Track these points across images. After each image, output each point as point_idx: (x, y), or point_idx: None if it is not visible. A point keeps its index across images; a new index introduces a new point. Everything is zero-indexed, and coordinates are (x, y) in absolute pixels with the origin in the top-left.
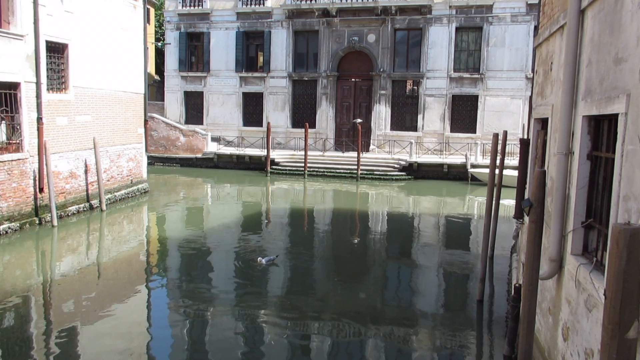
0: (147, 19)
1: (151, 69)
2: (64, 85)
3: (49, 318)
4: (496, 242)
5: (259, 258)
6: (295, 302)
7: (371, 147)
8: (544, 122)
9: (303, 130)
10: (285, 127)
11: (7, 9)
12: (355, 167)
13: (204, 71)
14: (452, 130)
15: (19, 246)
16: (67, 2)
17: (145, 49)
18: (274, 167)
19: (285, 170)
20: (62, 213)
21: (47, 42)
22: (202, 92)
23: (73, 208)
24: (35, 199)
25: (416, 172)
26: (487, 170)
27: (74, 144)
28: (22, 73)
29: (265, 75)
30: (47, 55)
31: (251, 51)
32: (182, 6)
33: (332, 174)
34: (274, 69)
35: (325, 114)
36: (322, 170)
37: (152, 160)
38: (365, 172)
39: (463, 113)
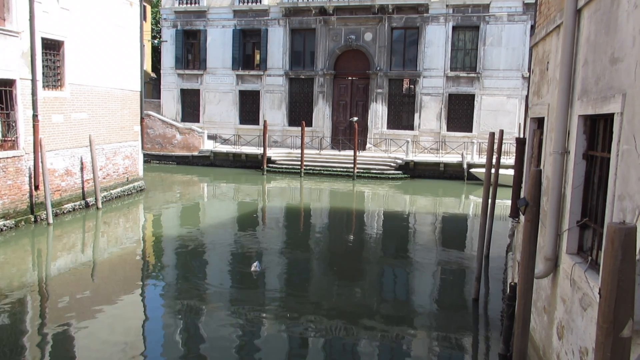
0: (143, 17)
1: (147, 66)
2: (60, 82)
3: (44, 316)
4: (492, 241)
5: (253, 264)
6: (291, 301)
7: (368, 145)
8: (540, 122)
9: (300, 128)
10: (282, 125)
11: (2, 5)
12: (352, 165)
13: (200, 69)
14: (448, 129)
15: (14, 244)
16: None
17: (142, 46)
18: (270, 165)
19: (282, 168)
20: (58, 211)
21: (42, 39)
22: (198, 90)
23: (69, 206)
24: (31, 196)
25: (412, 171)
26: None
27: (70, 141)
28: (18, 70)
29: (262, 73)
30: (42, 52)
31: (248, 49)
32: (179, 4)
33: (328, 172)
34: (271, 67)
35: (322, 113)
36: (318, 168)
37: (148, 158)
38: (361, 170)
39: (459, 112)
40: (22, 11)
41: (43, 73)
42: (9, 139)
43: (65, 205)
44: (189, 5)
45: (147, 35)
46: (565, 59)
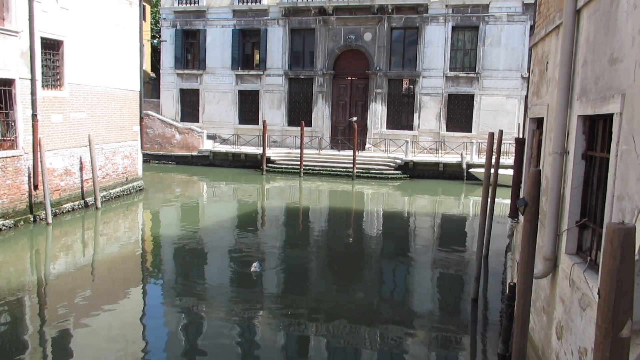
0: (142, 16)
1: (147, 66)
2: (59, 82)
3: (43, 317)
4: (491, 241)
5: (253, 265)
6: (290, 301)
7: (367, 145)
8: (539, 122)
9: (299, 128)
10: (281, 125)
11: (1, 4)
12: (351, 165)
13: (199, 69)
14: (447, 129)
15: (13, 244)
16: None
17: (141, 46)
18: (269, 165)
19: (281, 168)
20: (57, 210)
21: (42, 38)
22: (198, 90)
23: (68, 205)
24: (30, 196)
25: (412, 171)
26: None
27: (69, 141)
28: (17, 69)
29: (262, 73)
30: (42, 52)
31: (247, 49)
32: (178, 3)
33: (327, 172)
34: (270, 67)
35: (322, 113)
36: (317, 168)
37: (148, 158)
38: (361, 170)
39: (459, 112)
40: (22, 11)
41: (42, 73)
42: (8, 138)
43: (65, 205)
44: (188, 5)
45: (147, 35)
46: (564, 59)
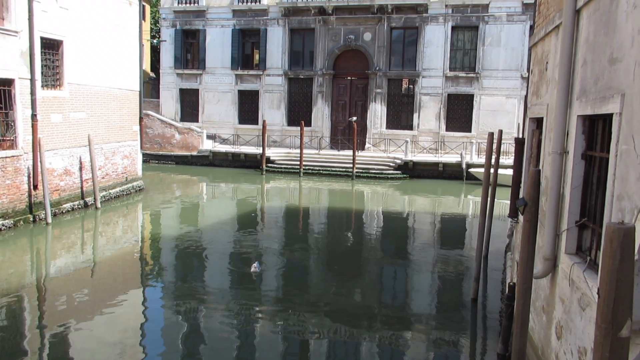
0: (142, 16)
1: (146, 66)
2: (59, 82)
3: (43, 316)
4: (491, 241)
5: (253, 265)
6: (290, 301)
7: (367, 145)
8: (539, 122)
9: (299, 128)
10: (281, 125)
11: (1, 4)
12: (351, 165)
13: (199, 69)
14: (447, 129)
15: (12, 244)
16: None
17: (141, 46)
18: (269, 165)
19: (281, 168)
20: (57, 210)
21: (41, 38)
22: (197, 90)
23: (67, 205)
24: (30, 196)
25: (411, 171)
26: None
27: (69, 141)
28: (17, 69)
29: (261, 73)
30: (41, 52)
31: (247, 49)
32: (178, 3)
33: (327, 172)
34: (270, 66)
35: (321, 112)
36: (317, 168)
37: (147, 158)
38: (360, 170)
39: (458, 112)
40: (21, 10)
41: (42, 72)
42: (8, 138)
43: (64, 205)
44: (188, 5)
45: (146, 35)
46: (564, 59)
